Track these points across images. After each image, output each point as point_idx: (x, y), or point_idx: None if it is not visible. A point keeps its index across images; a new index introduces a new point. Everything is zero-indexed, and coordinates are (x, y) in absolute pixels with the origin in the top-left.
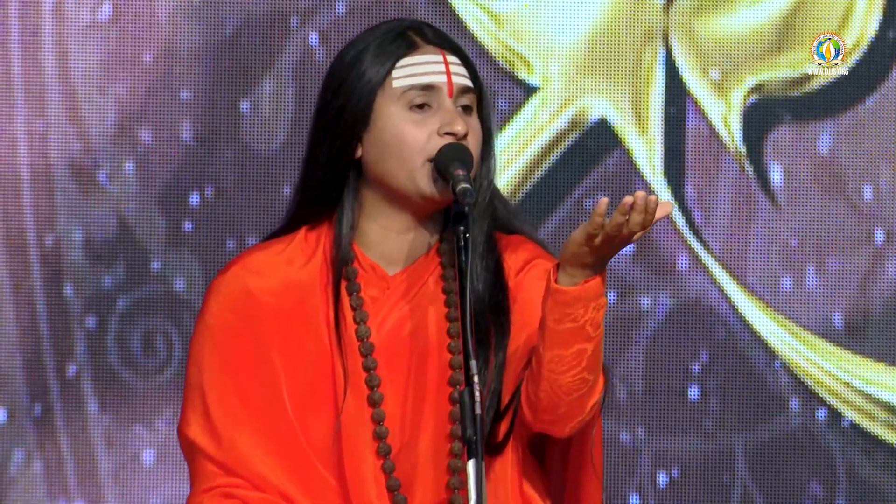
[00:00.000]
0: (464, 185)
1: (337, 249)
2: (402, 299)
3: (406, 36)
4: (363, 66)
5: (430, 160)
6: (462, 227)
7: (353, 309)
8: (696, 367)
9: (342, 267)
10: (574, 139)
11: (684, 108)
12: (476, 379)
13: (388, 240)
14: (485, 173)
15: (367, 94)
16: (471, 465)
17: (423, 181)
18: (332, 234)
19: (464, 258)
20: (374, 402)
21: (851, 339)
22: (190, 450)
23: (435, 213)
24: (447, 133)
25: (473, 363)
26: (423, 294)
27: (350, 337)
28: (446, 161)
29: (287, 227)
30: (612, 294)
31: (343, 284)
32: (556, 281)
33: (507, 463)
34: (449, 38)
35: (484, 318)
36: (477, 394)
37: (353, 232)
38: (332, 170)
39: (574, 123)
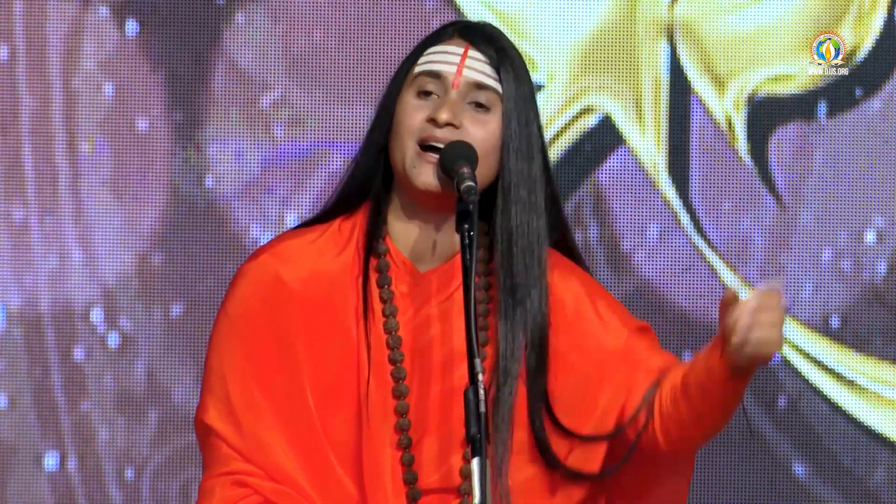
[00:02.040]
0: (468, 182)
1: (367, 240)
2: (434, 298)
3: (444, 30)
4: (408, 58)
5: (418, 143)
6: (466, 226)
7: (383, 301)
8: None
9: (370, 256)
10: (578, 137)
11: (688, 106)
12: (480, 377)
13: (414, 235)
14: (509, 176)
15: (397, 83)
16: (475, 463)
17: (410, 165)
18: (365, 225)
19: (468, 256)
20: (398, 395)
21: (852, 337)
22: (206, 434)
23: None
24: (429, 119)
25: (478, 362)
26: (457, 296)
27: (378, 329)
28: (451, 158)
29: (323, 217)
30: (619, 292)
31: (374, 277)
32: (730, 378)
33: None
34: (491, 37)
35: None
36: (481, 391)
37: (385, 225)
38: (367, 159)
39: (578, 121)
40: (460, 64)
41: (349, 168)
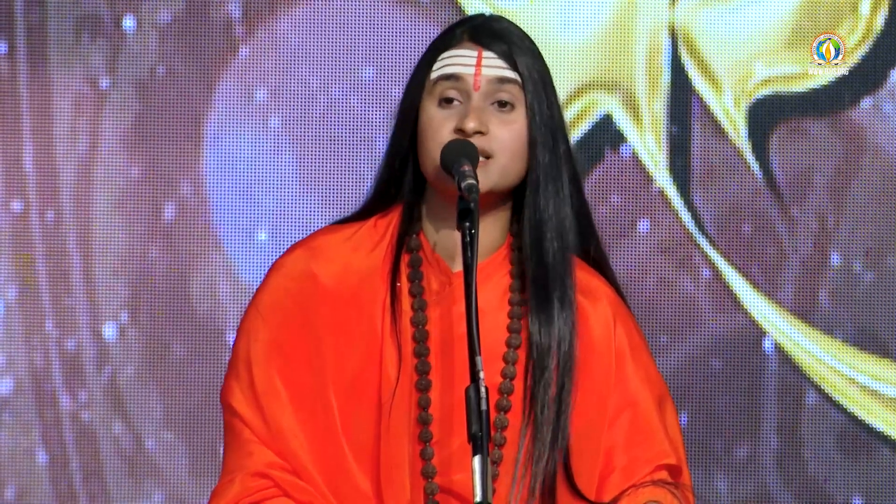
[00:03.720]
0: (469, 181)
1: (400, 236)
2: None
3: (453, 33)
4: (421, 62)
5: None
6: (468, 224)
7: (413, 296)
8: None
9: (401, 249)
10: (579, 135)
11: (690, 104)
12: (481, 375)
13: (448, 234)
14: (537, 170)
15: (417, 89)
16: (476, 461)
17: (442, 177)
18: (399, 222)
19: (469, 254)
20: (421, 388)
21: (849, 335)
22: (229, 415)
23: (494, 213)
24: (457, 129)
25: (479, 359)
26: (489, 300)
27: (405, 322)
28: (451, 157)
29: (359, 215)
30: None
31: (406, 272)
32: None
33: None
34: (499, 33)
35: (556, 364)
36: (482, 390)
37: (420, 223)
38: (392, 165)
39: (579, 119)
40: (477, 65)
41: (378, 172)
